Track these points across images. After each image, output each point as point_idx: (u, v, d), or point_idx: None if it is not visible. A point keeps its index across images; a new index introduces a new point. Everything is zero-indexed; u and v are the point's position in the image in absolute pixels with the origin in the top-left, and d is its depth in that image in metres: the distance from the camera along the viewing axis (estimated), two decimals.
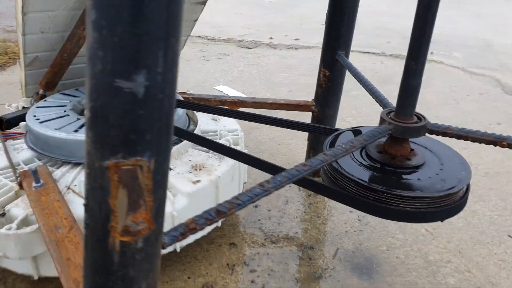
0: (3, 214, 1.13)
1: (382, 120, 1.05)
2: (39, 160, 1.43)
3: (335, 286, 1.46)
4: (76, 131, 1.38)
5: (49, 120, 1.43)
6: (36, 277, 1.19)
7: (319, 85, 1.81)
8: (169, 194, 1.27)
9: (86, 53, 0.51)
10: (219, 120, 1.77)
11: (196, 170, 1.39)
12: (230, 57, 4.54)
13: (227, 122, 1.75)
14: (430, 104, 3.31)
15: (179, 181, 1.32)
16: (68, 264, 0.90)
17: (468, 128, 1.01)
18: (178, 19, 0.50)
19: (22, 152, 1.45)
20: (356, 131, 1.19)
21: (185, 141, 1.50)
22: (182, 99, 1.65)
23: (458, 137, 1.00)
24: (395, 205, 0.99)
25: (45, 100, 1.59)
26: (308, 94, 3.51)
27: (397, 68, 4.20)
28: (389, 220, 1.82)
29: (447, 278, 1.53)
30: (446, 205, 1.00)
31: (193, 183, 1.32)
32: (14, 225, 1.09)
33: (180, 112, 1.55)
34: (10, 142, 1.48)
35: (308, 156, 2.06)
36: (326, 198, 1.96)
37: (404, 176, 1.06)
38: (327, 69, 1.73)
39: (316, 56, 5.10)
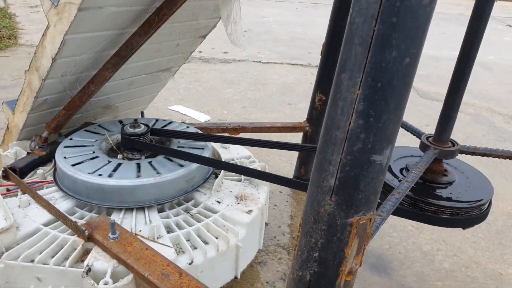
0: (89, 270, 1.10)
1: (425, 146, 1.28)
2: (80, 208, 1.39)
3: (363, 285, 1.68)
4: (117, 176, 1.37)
5: (89, 166, 1.40)
6: None
7: (314, 108, 2.01)
8: (231, 226, 1.35)
9: (328, 136, 0.63)
10: (229, 148, 1.86)
11: (242, 200, 1.48)
12: None
13: (237, 149, 1.86)
14: None
15: (235, 213, 1.41)
16: None
17: (490, 147, 1.30)
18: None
19: (58, 202, 1.39)
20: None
21: (222, 173, 1.58)
22: (201, 132, 1.72)
23: (483, 155, 1.29)
24: (448, 215, 1.22)
25: (71, 140, 1.53)
26: (261, 108, 3.70)
27: (312, 79, 4.62)
28: None
29: (443, 264, 1.84)
30: (476, 214, 1.27)
31: (248, 213, 1.42)
32: (109, 279, 1.08)
33: (209, 145, 1.62)
34: (39, 192, 1.40)
35: (299, 171, 2.25)
36: None
37: (441, 190, 1.31)
38: (324, 94, 1.94)
39: (251, 70, 5.35)
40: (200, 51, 5.54)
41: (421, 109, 3.86)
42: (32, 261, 1.16)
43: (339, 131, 0.61)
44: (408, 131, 1.49)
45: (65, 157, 1.44)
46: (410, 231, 2.05)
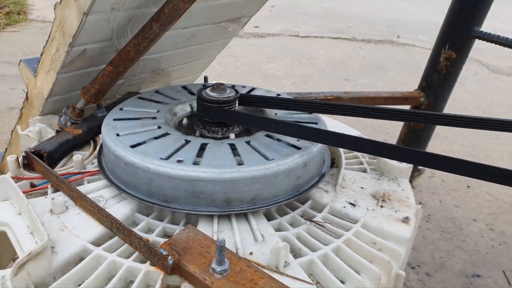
0: None
1: None
2: (145, 215, 0.89)
3: None
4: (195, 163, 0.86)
5: (161, 148, 0.89)
6: None
7: (435, 71, 1.49)
8: (386, 243, 0.84)
9: None
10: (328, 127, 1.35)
11: (385, 201, 0.98)
12: None
13: (340, 128, 1.34)
14: None
15: (387, 223, 0.90)
16: None
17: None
18: None
19: (108, 204, 0.89)
20: None
21: (343, 161, 1.07)
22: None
23: None
24: None
25: (121, 111, 1.03)
26: (314, 85, 3.18)
27: (380, 54, 4.07)
28: None
29: None
30: None
31: (405, 223, 0.91)
32: None
33: (321, 118, 1.11)
34: (81, 189, 0.90)
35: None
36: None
37: None
38: (455, 50, 1.41)
39: (289, 44, 4.80)
40: None
41: (500, 85, 3.30)
42: None
43: None
44: None
45: (118, 134, 0.93)
46: None
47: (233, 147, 0.91)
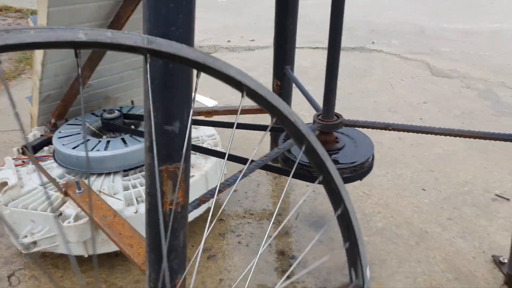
0: (60, 214, 1.59)
1: (314, 121, 1.59)
2: (68, 174, 1.89)
3: (298, 238, 2.02)
4: (92, 150, 1.84)
5: (74, 143, 1.89)
6: (86, 255, 1.67)
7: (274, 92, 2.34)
8: None
9: (145, 117, 1.00)
10: (199, 128, 2.27)
11: (192, 167, 1.89)
12: None
13: (205, 129, 2.26)
14: (371, 92, 3.91)
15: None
16: (121, 237, 1.40)
17: (370, 120, 1.58)
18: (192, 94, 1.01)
19: (53, 170, 1.90)
20: None
21: None
22: None
23: (362, 127, 1.57)
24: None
25: (65, 125, 2.04)
26: None
27: (342, 61, 4.79)
28: None
29: (377, 223, 2.11)
30: (361, 169, 1.56)
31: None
32: (71, 219, 1.56)
33: None
34: (42, 163, 1.92)
35: (271, 148, 2.59)
36: (288, 179, 2.52)
37: (332, 156, 1.61)
38: (279, 79, 2.26)
39: (271, 57, 5.65)
40: (228, 41, 5.95)
41: (427, 86, 3.93)
42: (27, 208, 1.68)
43: (146, 113, 1.00)
44: (311, 104, 1.79)
45: (59, 138, 1.94)
46: (360, 197, 2.32)
47: (108, 142, 1.88)
